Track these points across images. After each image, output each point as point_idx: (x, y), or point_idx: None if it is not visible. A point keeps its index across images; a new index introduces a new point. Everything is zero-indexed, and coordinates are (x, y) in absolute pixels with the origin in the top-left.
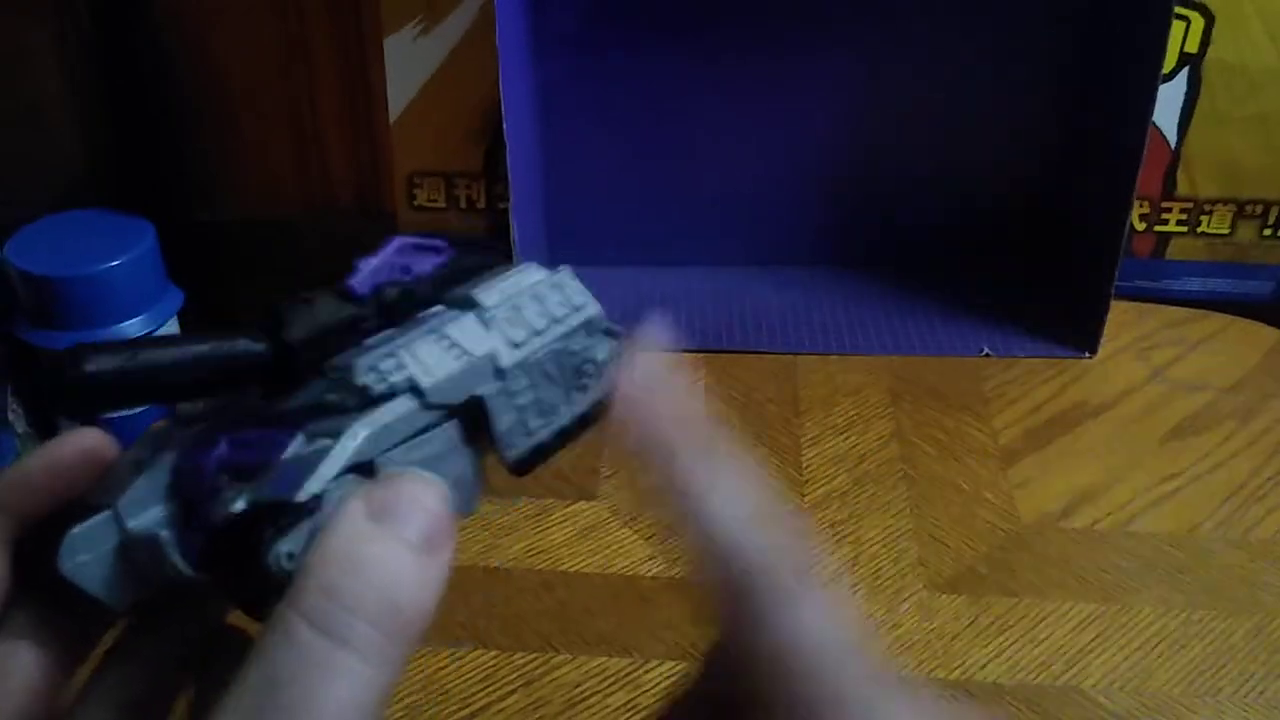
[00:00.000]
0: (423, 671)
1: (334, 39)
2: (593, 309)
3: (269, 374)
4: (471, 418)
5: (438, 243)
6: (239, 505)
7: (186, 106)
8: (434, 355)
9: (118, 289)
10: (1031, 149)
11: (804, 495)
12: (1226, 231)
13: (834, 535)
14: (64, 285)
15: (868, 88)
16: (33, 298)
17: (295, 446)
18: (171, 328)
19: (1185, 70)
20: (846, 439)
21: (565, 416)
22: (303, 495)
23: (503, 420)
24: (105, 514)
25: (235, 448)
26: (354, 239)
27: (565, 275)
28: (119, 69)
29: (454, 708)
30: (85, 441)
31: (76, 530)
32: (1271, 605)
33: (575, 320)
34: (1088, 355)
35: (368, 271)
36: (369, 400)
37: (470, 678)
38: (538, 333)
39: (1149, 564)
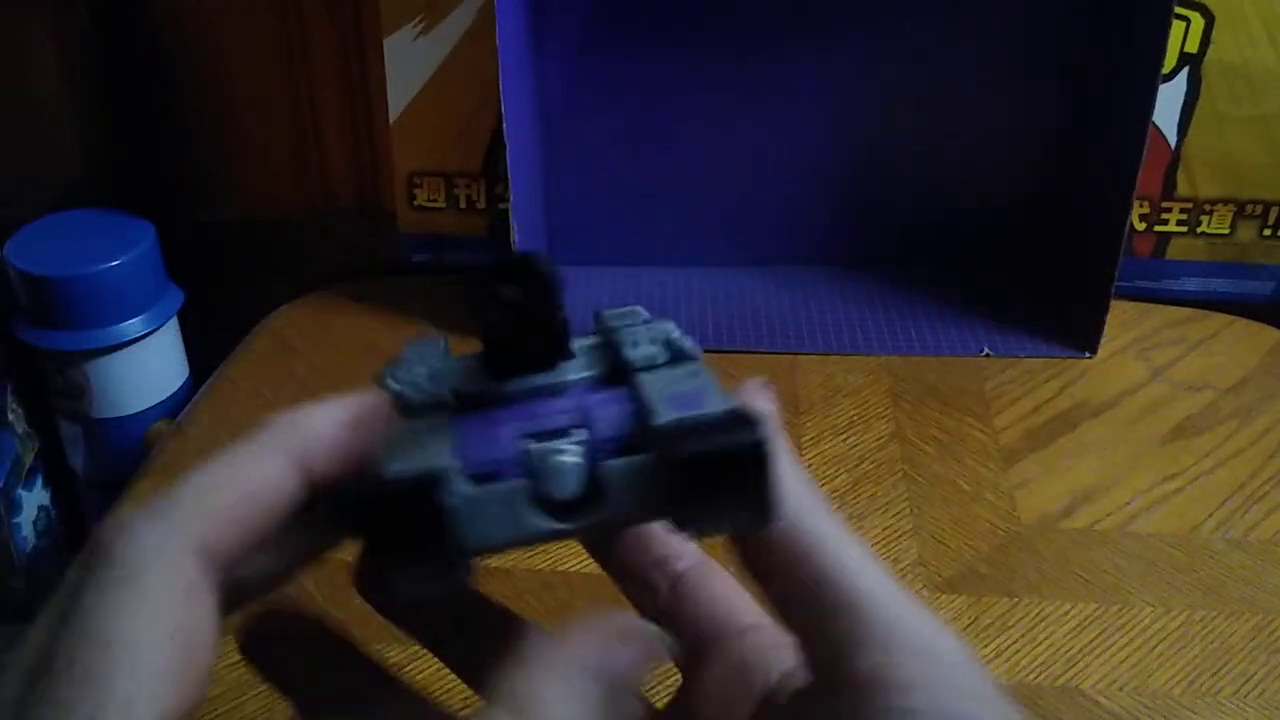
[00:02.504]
0: (423, 672)
1: (334, 39)
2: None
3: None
4: None
5: None
6: (667, 416)
7: (186, 106)
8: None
9: (118, 289)
10: (1031, 149)
11: None
12: (1226, 231)
13: None
14: (64, 285)
15: (868, 88)
16: (33, 298)
17: (648, 389)
18: (171, 328)
19: (1185, 70)
20: (846, 439)
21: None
22: (729, 405)
23: None
24: (456, 469)
25: (515, 417)
26: (354, 239)
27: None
28: (119, 69)
29: (454, 708)
30: (358, 405)
31: (453, 477)
32: (1271, 605)
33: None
34: (1088, 355)
35: None
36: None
37: None
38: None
39: (1149, 564)
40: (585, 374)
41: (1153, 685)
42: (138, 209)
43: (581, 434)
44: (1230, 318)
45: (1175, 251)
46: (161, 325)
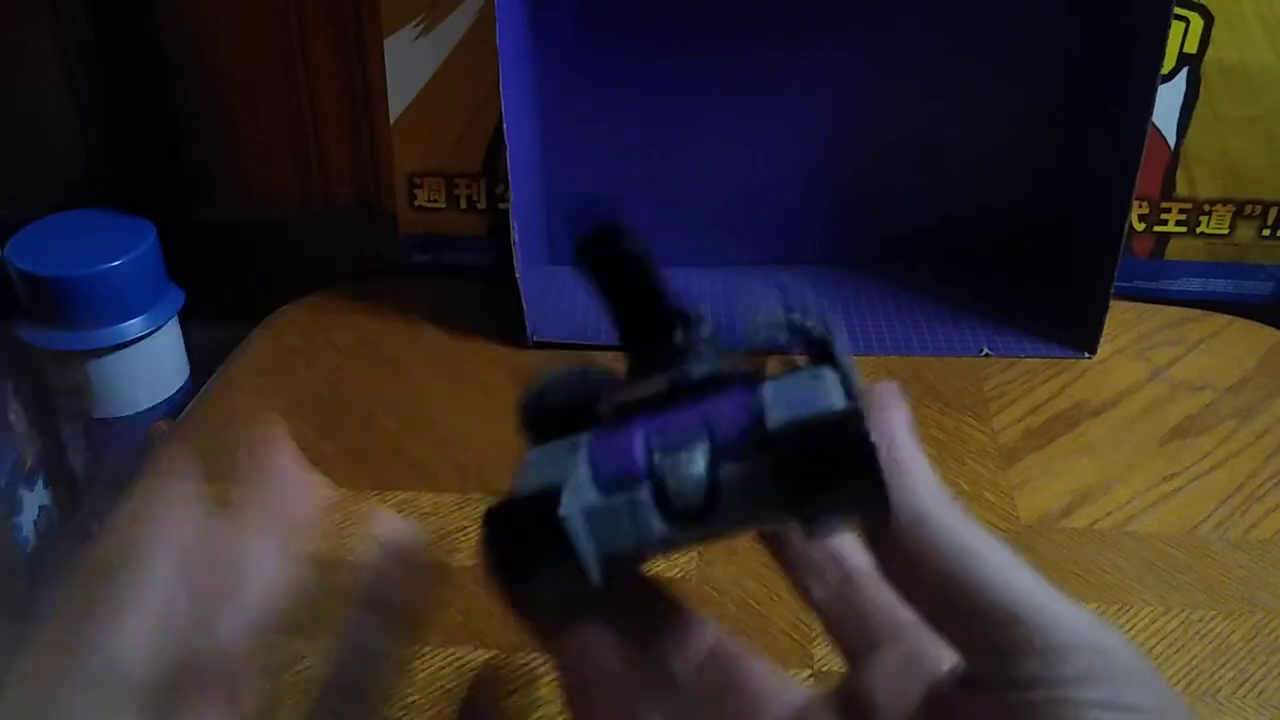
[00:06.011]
0: (423, 671)
1: (334, 39)
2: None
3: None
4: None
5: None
6: (779, 418)
7: (187, 107)
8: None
9: (118, 289)
10: (1031, 149)
11: None
12: (1226, 232)
13: None
14: (64, 285)
15: (868, 88)
16: (33, 298)
17: (770, 392)
18: (172, 328)
19: (1185, 70)
20: None
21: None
22: (841, 404)
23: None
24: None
25: (647, 432)
26: (353, 239)
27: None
28: (119, 69)
29: (454, 707)
30: None
31: (566, 489)
32: (1271, 605)
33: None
34: (1088, 355)
35: None
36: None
37: (470, 678)
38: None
39: (1149, 564)
40: (709, 369)
41: None
42: (138, 209)
43: (704, 442)
44: (1229, 318)
45: (1174, 252)
46: (161, 325)
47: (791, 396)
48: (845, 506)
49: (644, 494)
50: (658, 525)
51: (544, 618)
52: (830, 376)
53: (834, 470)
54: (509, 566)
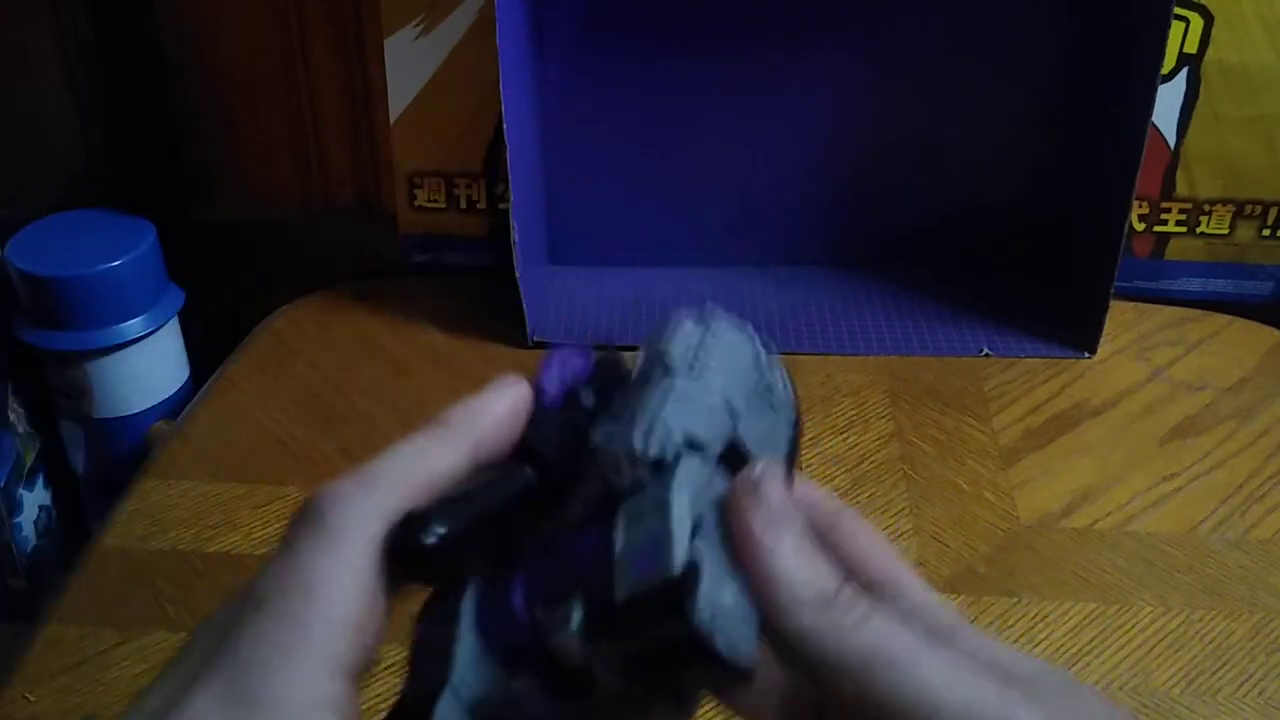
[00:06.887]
0: None
1: (334, 39)
2: (756, 345)
3: (533, 496)
4: (729, 461)
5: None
6: (623, 590)
7: (187, 107)
8: (684, 414)
9: (118, 289)
10: (1031, 149)
11: None
12: (1226, 232)
13: None
14: (64, 285)
15: (868, 88)
16: (33, 298)
17: (621, 534)
18: (172, 328)
19: (1185, 70)
20: (846, 439)
21: (784, 437)
22: (678, 565)
23: (757, 450)
24: (445, 690)
25: (531, 579)
26: (353, 239)
27: (719, 323)
28: (119, 69)
29: None
30: (515, 393)
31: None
32: (1271, 605)
33: (748, 356)
34: (1088, 355)
35: (555, 383)
36: (660, 468)
37: None
38: (730, 375)
39: (1148, 564)
40: (591, 497)
41: (1153, 685)
42: (138, 209)
43: (576, 603)
44: (1230, 318)
45: (1174, 252)
46: (161, 325)
47: (638, 545)
48: (708, 675)
49: (525, 673)
50: (544, 705)
51: None
52: (675, 502)
53: (672, 659)
54: None
